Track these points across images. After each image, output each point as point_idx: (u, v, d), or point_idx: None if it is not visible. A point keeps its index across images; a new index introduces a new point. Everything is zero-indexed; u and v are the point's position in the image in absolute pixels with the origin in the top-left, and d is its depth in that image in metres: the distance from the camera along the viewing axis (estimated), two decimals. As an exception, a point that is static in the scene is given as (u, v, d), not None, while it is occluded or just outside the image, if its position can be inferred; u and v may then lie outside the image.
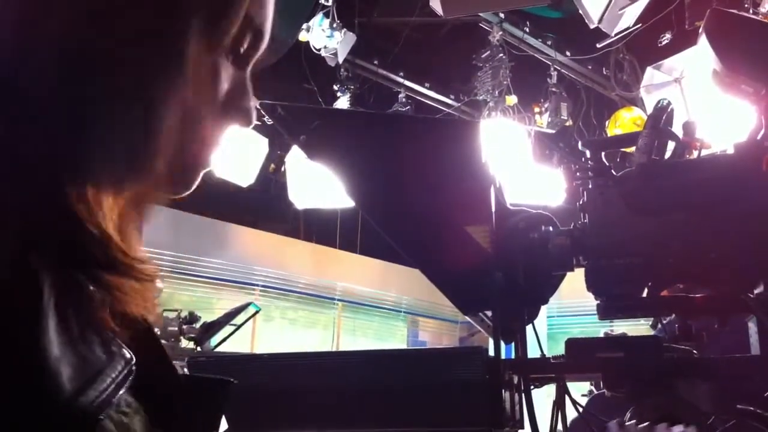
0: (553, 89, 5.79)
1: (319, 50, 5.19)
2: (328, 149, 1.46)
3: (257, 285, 6.87)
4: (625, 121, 5.35)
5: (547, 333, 7.01)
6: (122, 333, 0.59)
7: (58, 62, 0.58)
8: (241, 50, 0.69)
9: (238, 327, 4.55)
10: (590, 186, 1.40)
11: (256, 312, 4.76)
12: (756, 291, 1.27)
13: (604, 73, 5.76)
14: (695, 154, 1.44)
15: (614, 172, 1.41)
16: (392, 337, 8.21)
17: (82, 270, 0.56)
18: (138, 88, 0.60)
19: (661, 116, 1.44)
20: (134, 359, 0.57)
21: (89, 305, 0.56)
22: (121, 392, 0.54)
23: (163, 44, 0.61)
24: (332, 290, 7.52)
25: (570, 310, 7.26)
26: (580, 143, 1.47)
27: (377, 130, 1.54)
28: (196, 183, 0.69)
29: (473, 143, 1.45)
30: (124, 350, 0.57)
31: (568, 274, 1.43)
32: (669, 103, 1.47)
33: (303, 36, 5.09)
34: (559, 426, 1.38)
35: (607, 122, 5.61)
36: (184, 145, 0.64)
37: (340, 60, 5.32)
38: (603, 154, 1.45)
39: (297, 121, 1.47)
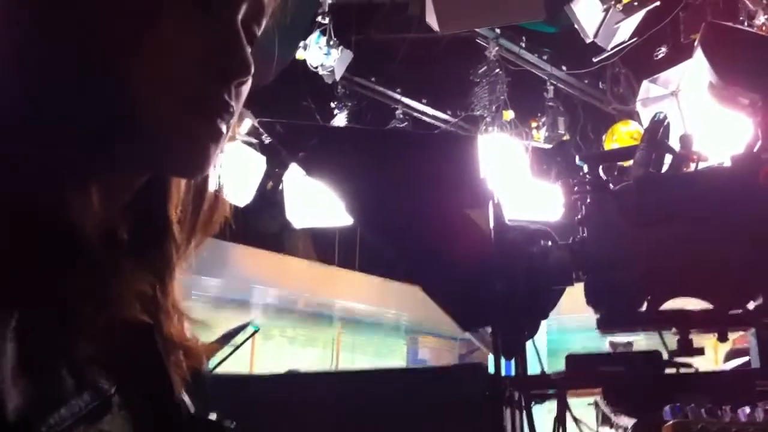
0: (550, 104, 5.80)
1: (317, 68, 5.21)
2: (326, 166, 1.46)
3: (256, 304, 6.85)
4: (622, 135, 5.36)
5: (547, 349, 6.98)
6: (122, 360, 0.57)
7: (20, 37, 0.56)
8: None
9: (238, 347, 4.53)
10: (588, 200, 1.40)
11: (255, 332, 4.73)
12: (755, 303, 1.27)
13: (601, 87, 5.77)
14: (693, 166, 1.45)
15: (612, 186, 1.42)
16: (392, 355, 8.18)
17: (62, 276, 0.54)
18: (106, 53, 0.56)
19: (657, 130, 1.44)
20: (112, 390, 0.55)
21: (68, 333, 0.53)
22: (84, 425, 0.51)
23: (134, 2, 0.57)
24: (331, 308, 7.50)
25: (570, 326, 7.23)
26: (577, 157, 1.48)
27: (375, 147, 1.54)
28: (209, 160, 0.62)
29: (471, 158, 1.45)
30: (102, 381, 0.54)
31: (568, 289, 1.42)
32: (665, 117, 1.48)
33: (300, 54, 5.10)
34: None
35: (604, 136, 5.61)
36: (177, 113, 0.58)
37: (338, 77, 5.34)
38: (601, 167, 1.45)
39: (295, 138, 1.47)
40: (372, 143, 1.59)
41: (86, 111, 0.57)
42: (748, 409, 1.02)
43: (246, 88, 0.65)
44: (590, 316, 1.37)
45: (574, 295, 1.42)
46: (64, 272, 0.54)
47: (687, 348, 1.26)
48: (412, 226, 1.45)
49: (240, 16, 0.63)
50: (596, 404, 3.68)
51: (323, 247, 7.09)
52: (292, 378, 1.47)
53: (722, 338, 1.26)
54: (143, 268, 0.63)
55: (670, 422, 1.02)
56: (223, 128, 0.62)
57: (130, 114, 0.57)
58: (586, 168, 1.46)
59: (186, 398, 0.67)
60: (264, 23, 0.67)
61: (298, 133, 1.51)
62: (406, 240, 1.46)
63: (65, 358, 0.53)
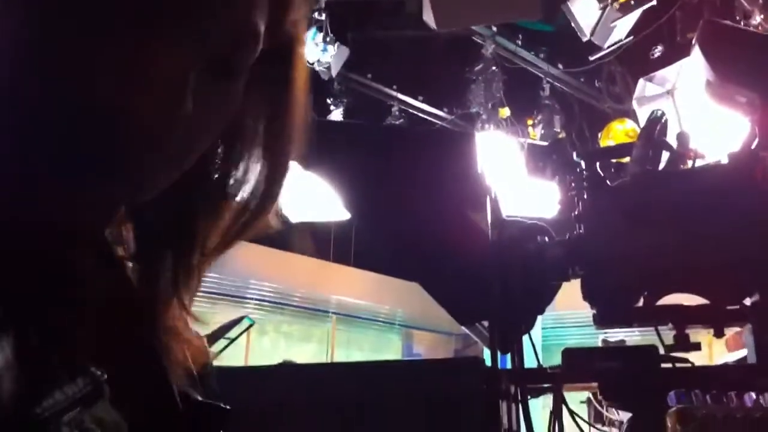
0: (546, 102, 5.82)
1: (312, 64, 5.20)
2: (324, 160, 1.47)
3: (252, 299, 6.85)
4: (617, 133, 5.37)
5: (542, 344, 7.00)
6: (115, 350, 0.59)
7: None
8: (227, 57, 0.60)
9: (233, 340, 4.54)
10: (585, 196, 1.41)
11: (251, 325, 4.75)
12: (751, 300, 1.28)
13: (597, 85, 5.79)
14: (690, 164, 1.45)
15: (609, 183, 1.42)
16: (387, 350, 8.19)
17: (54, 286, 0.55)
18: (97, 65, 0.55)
19: (654, 127, 1.45)
20: (105, 376, 0.55)
21: (63, 326, 0.55)
22: (77, 408, 0.52)
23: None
24: (326, 303, 7.50)
25: (565, 322, 7.26)
26: (575, 153, 1.48)
27: (373, 143, 1.55)
28: (153, 185, 0.61)
29: (469, 154, 1.46)
30: (94, 369, 0.55)
31: (563, 286, 1.43)
32: (663, 114, 1.48)
33: (296, 50, 5.09)
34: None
35: (599, 134, 5.63)
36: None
37: (334, 74, 5.33)
38: (598, 164, 1.46)
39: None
40: (370, 139, 1.60)
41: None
42: (753, 395, 1.03)
43: None
44: (585, 312, 1.38)
45: (570, 291, 1.43)
46: (65, 274, 0.56)
47: (683, 343, 1.26)
48: (409, 220, 1.46)
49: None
50: (588, 401, 3.68)
51: (319, 242, 7.09)
52: (287, 370, 1.48)
53: (718, 334, 1.27)
54: (151, 269, 0.64)
55: (675, 408, 1.02)
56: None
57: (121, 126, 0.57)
58: (583, 164, 1.46)
59: (188, 388, 0.68)
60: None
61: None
62: (403, 234, 1.47)
63: (59, 348, 0.54)
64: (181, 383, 0.67)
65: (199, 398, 0.69)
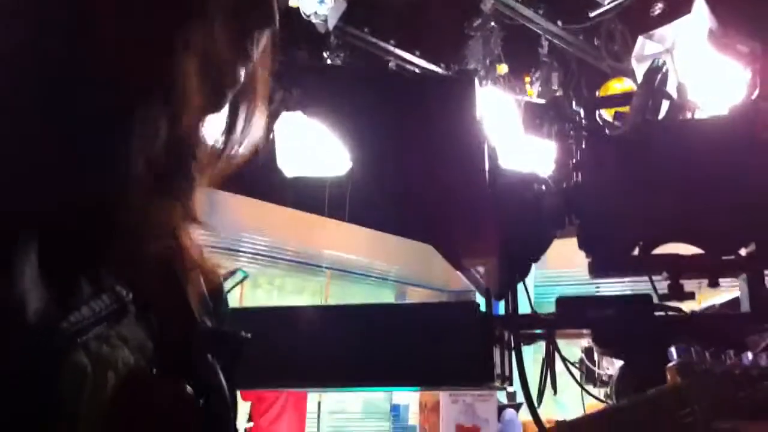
0: (544, 59, 5.77)
1: (309, 16, 5.14)
2: (323, 104, 1.45)
3: (245, 252, 6.87)
4: (615, 92, 5.34)
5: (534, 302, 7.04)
6: (139, 272, 0.60)
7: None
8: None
9: (227, 292, 4.55)
10: (584, 145, 1.40)
11: (244, 278, 4.76)
12: (747, 250, 1.28)
13: (596, 43, 5.74)
14: (689, 115, 1.45)
15: (608, 132, 1.42)
16: (380, 306, 8.24)
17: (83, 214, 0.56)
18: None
19: (655, 76, 1.44)
20: (130, 296, 0.57)
21: (90, 247, 0.56)
22: (103, 325, 0.54)
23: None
24: (320, 258, 7.53)
25: (555, 280, 7.31)
26: (574, 102, 1.47)
27: (373, 87, 1.53)
28: (222, 105, 0.71)
29: (468, 101, 1.44)
30: (119, 288, 0.57)
31: (555, 244, 1.43)
32: (664, 63, 1.47)
33: (293, 1, 5.04)
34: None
35: (597, 92, 5.60)
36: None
37: (331, 27, 5.28)
38: (597, 113, 1.45)
39: (291, 76, 1.46)
40: (369, 84, 1.58)
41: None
42: (750, 355, 1.04)
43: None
44: (576, 270, 1.38)
45: (561, 249, 1.43)
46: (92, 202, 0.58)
47: (677, 292, 1.27)
48: (406, 166, 1.45)
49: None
50: (581, 362, 3.72)
51: (313, 196, 7.08)
52: (285, 311, 1.48)
53: (713, 283, 1.27)
54: (170, 199, 0.67)
55: (675, 362, 1.03)
56: (242, 77, 0.68)
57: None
58: (582, 113, 1.45)
59: (205, 316, 0.70)
60: None
61: (293, 72, 1.50)
62: (400, 180, 1.46)
63: (84, 268, 0.56)
64: (198, 310, 0.69)
65: (214, 325, 0.71)
